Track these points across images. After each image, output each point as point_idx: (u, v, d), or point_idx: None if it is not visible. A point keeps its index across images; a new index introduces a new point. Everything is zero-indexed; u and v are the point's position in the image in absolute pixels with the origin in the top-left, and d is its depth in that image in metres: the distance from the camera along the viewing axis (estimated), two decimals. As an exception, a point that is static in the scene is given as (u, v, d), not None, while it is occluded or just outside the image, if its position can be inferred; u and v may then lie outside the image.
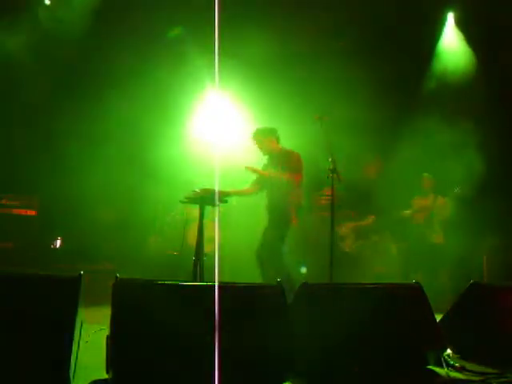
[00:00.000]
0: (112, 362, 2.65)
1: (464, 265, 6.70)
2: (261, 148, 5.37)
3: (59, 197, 6.98)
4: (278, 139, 5.38)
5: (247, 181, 5.38)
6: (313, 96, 6.87)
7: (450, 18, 8.07)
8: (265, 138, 5.34)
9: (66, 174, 6.87)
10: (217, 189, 4.66)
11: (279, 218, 5.11)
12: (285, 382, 2.87)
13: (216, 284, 2.87)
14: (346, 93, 7.00)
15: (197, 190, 4.75)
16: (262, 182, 5.28)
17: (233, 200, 5.55)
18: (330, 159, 4.85)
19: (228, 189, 5.04)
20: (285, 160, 5.17)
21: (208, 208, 4.81)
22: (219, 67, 4.67)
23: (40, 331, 2.65)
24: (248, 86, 7.03)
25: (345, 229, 6.93)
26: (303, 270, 6.49)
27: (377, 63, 7.15)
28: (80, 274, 2.89)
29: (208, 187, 4.72)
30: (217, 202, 4.66)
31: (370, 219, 6.95)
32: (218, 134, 6.91)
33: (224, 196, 4.87)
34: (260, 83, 7.08)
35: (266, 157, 5.39)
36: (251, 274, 5.24)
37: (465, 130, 7.37)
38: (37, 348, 2.61)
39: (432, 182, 7.15)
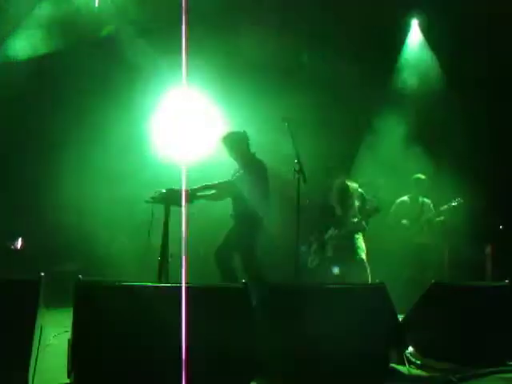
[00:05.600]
0: (73, 365, 2.60)
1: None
2: (230, 153, 5.25)
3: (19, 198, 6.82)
4: (248, 145, 5.23)
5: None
6: (280, 97, 6.88)
7: (415, 24, 8.27)
8: (234, 144, 5.20)
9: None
10: (183, 189, 4.62)
11: (247, 225, 5.05)
12: (250, 382, 2.88)
13: (180, 285, 2.84)
14: (313, 93, 7.07)
15: (162, 190, 4.71)
16: (230, 189, 5.12)
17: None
18: (295, 160, 4.87)
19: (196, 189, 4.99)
20: (253, 169, 5.07)
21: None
22: (186, 66, 4.63)
23: (-2, 334, 2.57)
24: (214, 86, 6.99)
25: None
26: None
27: (343, 65, 7.23)
28: (40, 276, 2.82)
29: (174, 187, 4.69)
30: (183, 203, 4.61)
31: None
32: (185, 134, 6.85)
33: (191, 198, 4.84)
34: (226, 84, 7.05)
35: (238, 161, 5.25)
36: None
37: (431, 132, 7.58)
38: (-6, 351, 2.54)
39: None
